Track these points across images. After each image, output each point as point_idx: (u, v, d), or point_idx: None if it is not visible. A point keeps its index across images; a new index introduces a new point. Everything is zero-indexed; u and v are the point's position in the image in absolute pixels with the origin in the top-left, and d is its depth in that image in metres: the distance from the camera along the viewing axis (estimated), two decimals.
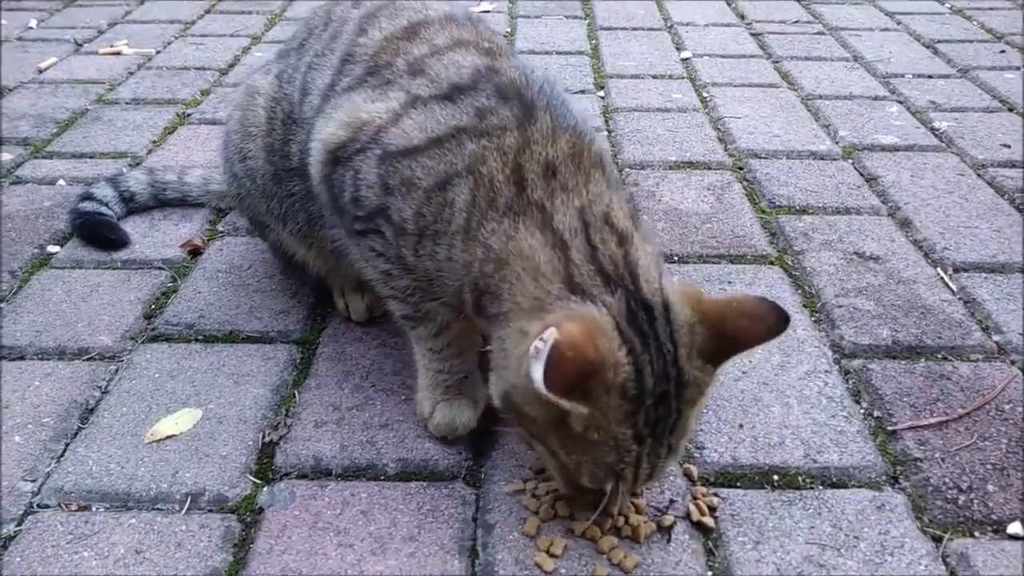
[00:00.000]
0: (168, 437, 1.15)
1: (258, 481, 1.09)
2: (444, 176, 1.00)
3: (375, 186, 1.05)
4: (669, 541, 1.00)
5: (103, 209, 1.66)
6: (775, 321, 0.90)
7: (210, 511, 1.05)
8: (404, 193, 1.02)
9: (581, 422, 0.86)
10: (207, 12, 3.10)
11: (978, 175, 1.90)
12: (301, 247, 1.36)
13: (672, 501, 1.06)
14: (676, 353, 0.88)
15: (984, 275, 1.53)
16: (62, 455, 1.13)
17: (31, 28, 2.90)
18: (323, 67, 1.20)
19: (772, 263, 1.58)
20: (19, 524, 1.03)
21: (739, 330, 0.89)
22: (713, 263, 1.57)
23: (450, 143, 1.00)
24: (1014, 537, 1.02)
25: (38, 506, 1.06)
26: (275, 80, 1.31)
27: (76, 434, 1.17)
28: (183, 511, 1.05)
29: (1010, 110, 2.24)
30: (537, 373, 0.80)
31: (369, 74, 1.12)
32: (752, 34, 2.87)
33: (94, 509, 1.05)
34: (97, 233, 1.61)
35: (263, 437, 1.16)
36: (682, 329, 0.89)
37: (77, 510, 1.05)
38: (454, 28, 1.13)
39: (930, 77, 2.48)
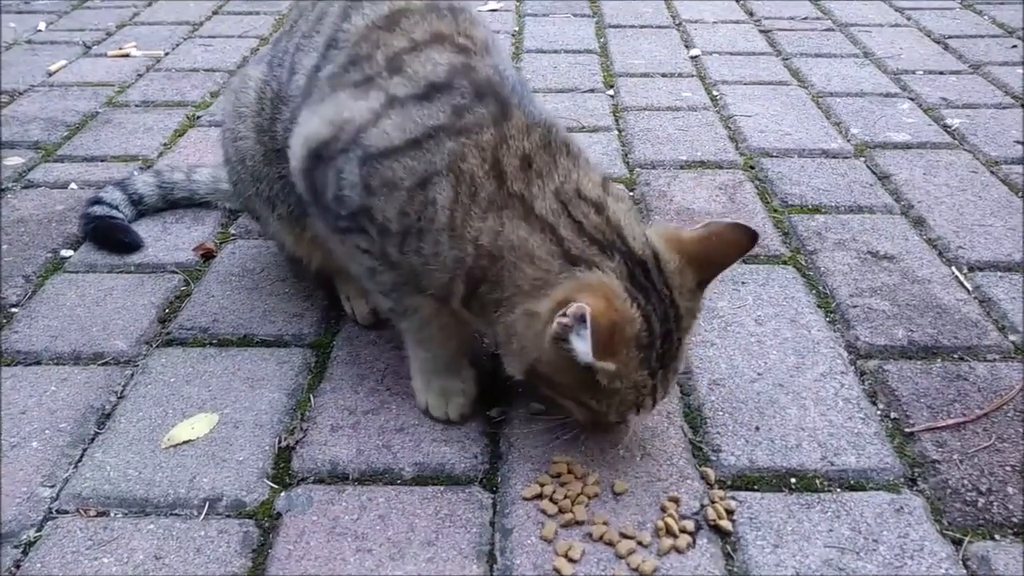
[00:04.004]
0: (185, 442, 1.16)
1: (275, 486, 1.09)
2: (424, 175, 1.04)
3: (357, 186, 1.08)
4: (692, 545, 1.00)
5: (114, 213, 1.66)
6: (747, 240, 1.05)
7: (228, 516, 1.05)
8: (386, 194, 1.06)
9: (608, 377, 0.97)
10: (215, 13, 3.10)
11: (991, 172, 1.88)
12: (291, 236, 1.37)
13: (702, 507, 1.05)
14: (672, 296, 1.01)
15: (999, 274, 1.52)
16: (80, 460, 1.13)
17: (40, 31, 2.91)
18: (309, 48, 1.21)
19: (785, 263, 1.57)
20: (39, 530, 1.03)
21: (719, 256, 1.04)
22: None
23: (428, 142, 1.04)
24: None
25: (57, 512, 1.06)
26: (266, 67, 1.34)
27: (93, 439, 1.17)
28: (201, 516, 1.05)
29: (1022, 106, 2.23)
30: (584, 346, 0.91)
31: (351, 63, 1.14)
32: (761, 31, 2.86)
33: (113, 515, 1.05)
34: (110, 236, 1.62)
35: (279, 442, 1.16)
36: (674, 274, 1.02)
37: (96, 516, 1.05)
38: (434, 19, 1.13)
39: (941, 73, 2.47)
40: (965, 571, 0.97)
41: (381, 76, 1.10)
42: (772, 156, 1.97)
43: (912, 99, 2.29)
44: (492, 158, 1.02)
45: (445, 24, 1.13)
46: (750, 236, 1.04)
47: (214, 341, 1.37)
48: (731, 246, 1.04)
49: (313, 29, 1.23)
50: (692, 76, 2.47)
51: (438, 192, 1.03)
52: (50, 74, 2.50)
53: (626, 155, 1.99)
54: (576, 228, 1.00)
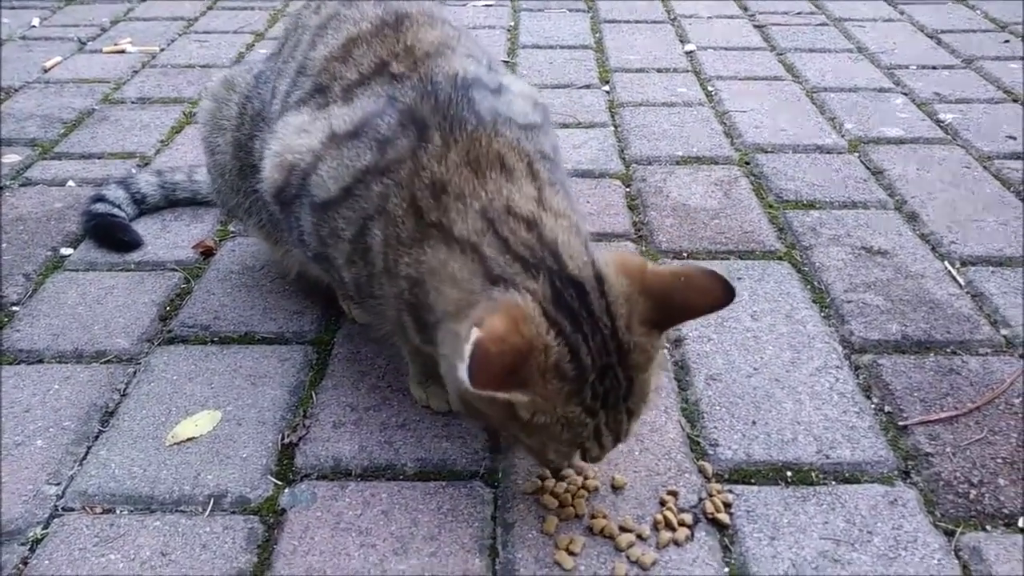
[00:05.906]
0: (189, 439, 1.17)
1: (279, 482, 1.10)
2: (360, 223, 1.02)
3: (313, 235, 1.09)
4: (690, 538, 1.02)
5: (115, 211, 1.67)
6: (722, 294, 0.91)
7: (233, 513, 1.06)
8: (333, 244, 1.07)
9: (526, 410, 0.88)
10: (209, 8, 3.09)
11: (984, 167, 1.90)
12: (268, 243, 1.41)
13: (700, 501, 1.07)
14: (614, 325, 0.89)
15: (991, 269, 1.54)
16: (84, 458, 1.14)
17: (34, 27, 2.90)
18: (285, 74, 1.23)
19: (781, 258, 1.59)
20: (45, 527, 1.04)
21: (685, 301, 0.91)
22: (722, 259, 1.59)
23: (359, 189, 1.02)
24: None
25: (63, 509, 1.07)
26: (253, 80, 1.35)
27: (97, 437, 1.18)
28: (206, 513, 1.06)
29: (1014, 101, 2.25)
30: (463, 373, 0.82)
31: (316, 90, 1.13)
32: (756, 26, 2.87)
33: (118, 512, 1.07)
34: (110, 234, 1.62)
35: (282, 438, 1.17)
36: (618, 300, 0.90)
37: (102, 513, 1.06)
38: (378, 45, 1.11)
39: (934, 68, 2.48)
40: (957, 562, 0.99)
41: (336, 104, 1.09)
42: (767, 151, 1.99)
43: (905, 94, 2.30)
44: (409, 194, 0.98)
45: (386, 47, 1.10)
46: (725, 290, 0.91)
47: (215, 339, 1.38)
48: (701, 294, 0.91)
49: (289, 55, 1.24)
50: (687, 71, 2.48)
51: (372, 238, 1.01)
52: (45, 70, 2.50)
53: (622, 151, 2.00)
54: (501, 246, 0.92)
